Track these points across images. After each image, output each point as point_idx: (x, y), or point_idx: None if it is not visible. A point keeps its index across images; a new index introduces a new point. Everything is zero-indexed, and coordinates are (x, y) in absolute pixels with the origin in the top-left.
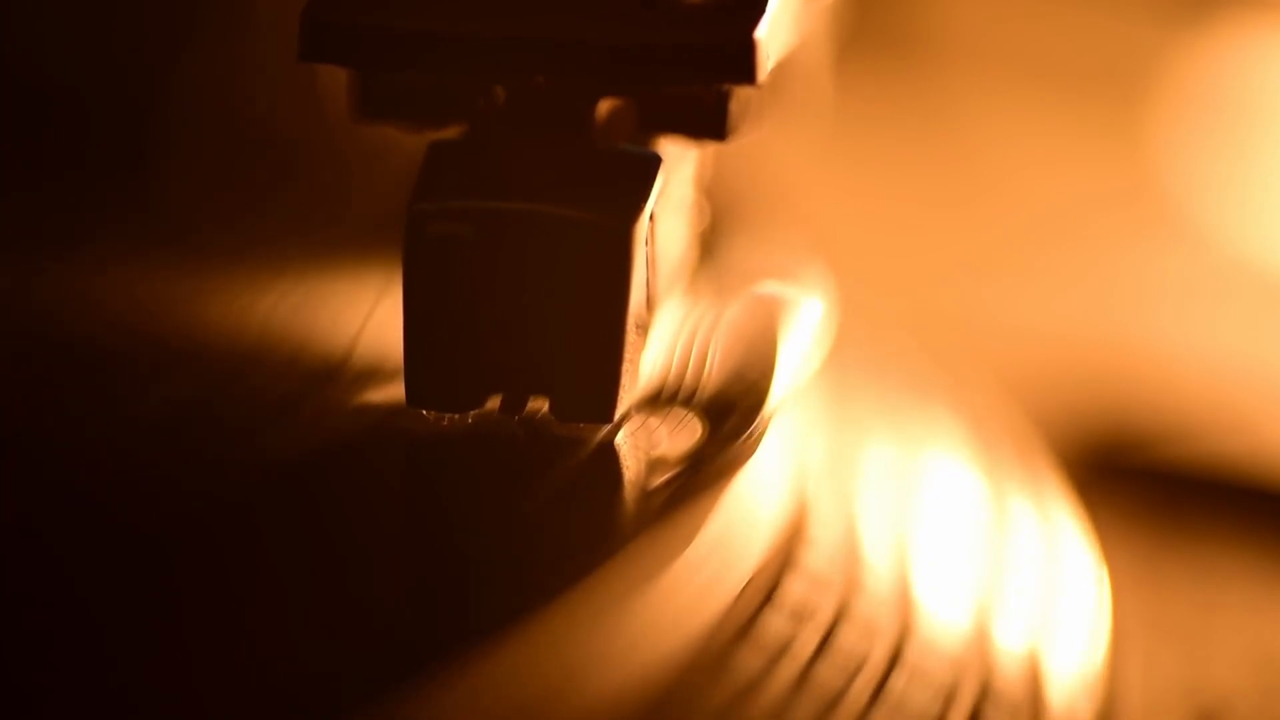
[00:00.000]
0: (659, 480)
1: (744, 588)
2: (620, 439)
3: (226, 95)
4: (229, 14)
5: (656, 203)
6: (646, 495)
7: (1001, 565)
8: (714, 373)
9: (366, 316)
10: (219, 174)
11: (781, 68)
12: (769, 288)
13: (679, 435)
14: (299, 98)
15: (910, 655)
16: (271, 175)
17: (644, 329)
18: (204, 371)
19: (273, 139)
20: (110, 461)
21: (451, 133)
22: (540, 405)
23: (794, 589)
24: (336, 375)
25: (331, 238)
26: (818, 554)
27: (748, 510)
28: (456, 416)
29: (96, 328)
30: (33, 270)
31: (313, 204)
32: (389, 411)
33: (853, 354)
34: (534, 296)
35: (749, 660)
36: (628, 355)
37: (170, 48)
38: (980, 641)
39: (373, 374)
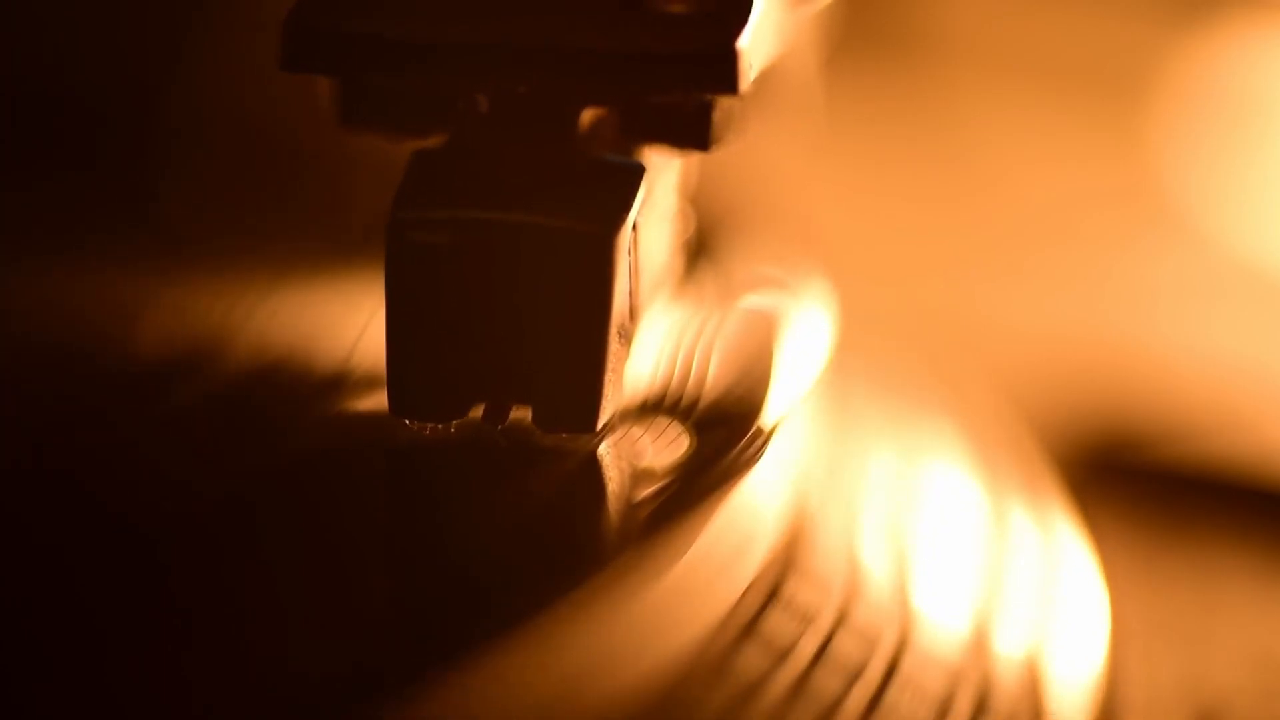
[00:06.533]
0: (644, 491)
1: (741, 595)
2: (604, 449)
3: (226, 99)
4: (228, 17)
5: (640, 212)
6: (632, 507)
7: (1001, 566)
8: (704, 384)
9: (365, 324)
10: (218, 178)
11: (767, 76)
12: (762, 297)
13: (665, 446)
14: (299, 102)
15: (910, 656)
16: (272, 180)
17: (627, 338)
18: (199, 377)
19: (273, 143)
20: (104, 463)
21: (434, 141)
22: (523, 415)
23: (792, 594)
24: (332, 383)
25: (332, 243)
26: (816, 557)
27: (742, 520)
28: (439, 426)
29: (92, 331)
30: (28, 272)
31: (313, 209)
32: (373, 421)
33: (849, 357)
34: (516, 306)
35: (745, 668)
36: (611, 365)
37: (169, 50)
38: (980, 642)
39: (368, 382)
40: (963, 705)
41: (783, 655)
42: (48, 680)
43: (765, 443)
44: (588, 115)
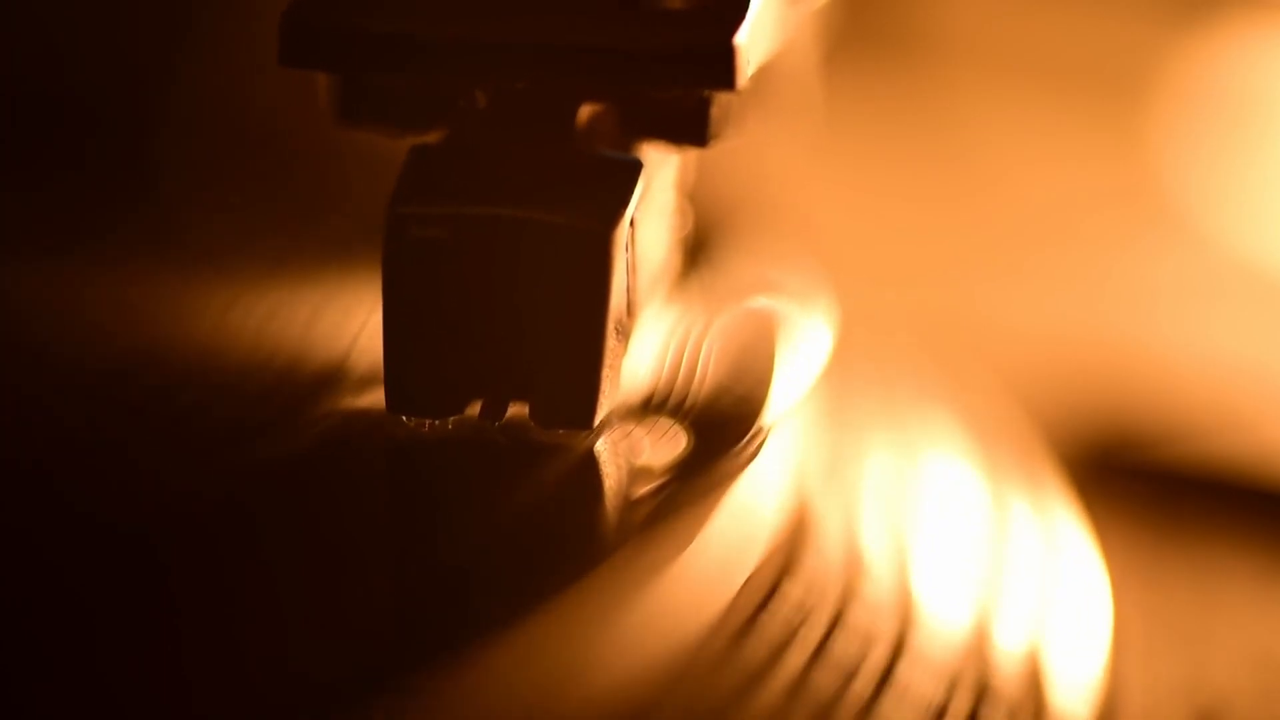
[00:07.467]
0: (642, 488)
1: (739, 592)
2: (601, 446)
3: (225, 97)
4: (227, 15)
5: (638, 208)
6: (629, 503)
7: (1002, 565)
8: (702, 381)
9: (363, 320)
10: (216, 177)
11: (765, 72)
12: (762, 294)
13: (663, 443)
14: (298, 100)
15: (910, 653)
16: (269, 177)
17: (625, 335)
18: (198, 375)
19: (271, 141)
20: (102, 463)
21: (432, 137)
22: (521, 411)
23: (790, 592)
24: (330, 380)
25: (329, 240)
26: (815, 556)
27: (741, 517)
28: (437, 422)
29: (91, 330)
30: (26, 271)
31: (311, 206)
32: (371, 417)
33: (851, 354)
34: (514, 302)
35: (743, 665)
36: (608, 361)
37: (168, 49)
38: (981, 641)
39: (366, 378)
40: (963, 702)
41: (780, 653)
42: (48, 680)
43: (764, 440)
44: (586, 111)
